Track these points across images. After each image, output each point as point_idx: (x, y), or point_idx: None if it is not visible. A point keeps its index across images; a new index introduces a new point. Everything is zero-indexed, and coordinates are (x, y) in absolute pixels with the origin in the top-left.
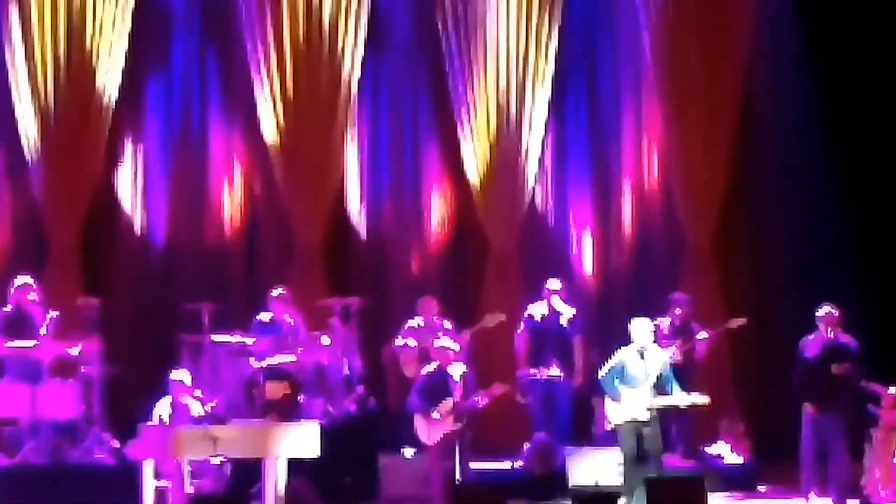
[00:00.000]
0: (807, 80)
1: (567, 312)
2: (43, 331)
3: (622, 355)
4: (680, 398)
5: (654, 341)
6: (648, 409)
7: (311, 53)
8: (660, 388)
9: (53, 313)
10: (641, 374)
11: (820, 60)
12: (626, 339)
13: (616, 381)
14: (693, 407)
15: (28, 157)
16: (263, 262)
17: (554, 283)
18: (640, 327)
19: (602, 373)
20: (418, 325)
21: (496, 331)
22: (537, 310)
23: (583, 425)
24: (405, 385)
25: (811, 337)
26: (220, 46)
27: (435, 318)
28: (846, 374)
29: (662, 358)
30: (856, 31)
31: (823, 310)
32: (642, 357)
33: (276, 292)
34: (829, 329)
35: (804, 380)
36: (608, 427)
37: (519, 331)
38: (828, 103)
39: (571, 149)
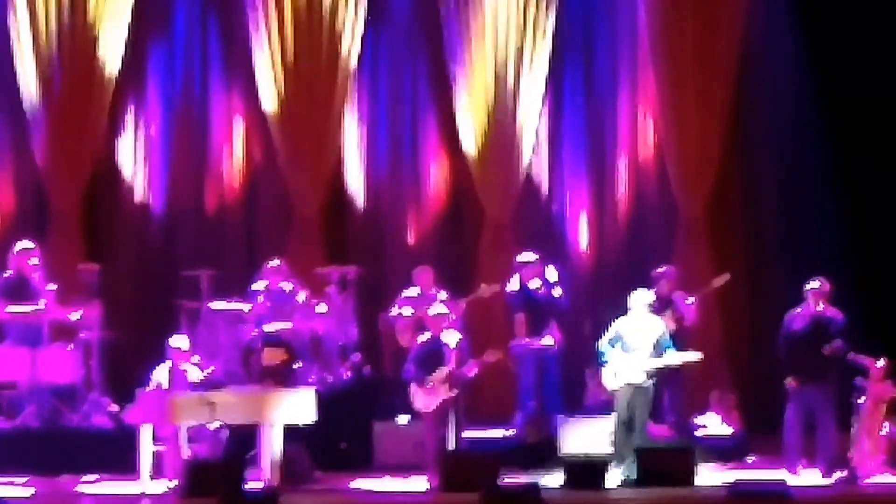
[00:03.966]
0: (801, 53)
1: (534, 284)
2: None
3: (619, 324)
4: (672, 357)
5: (651, 312)
6: (645, 372)
7: (311, 23)
8: (657, 354)
9: (52, 286)
10: (638, 341)
11: (814, 32)
12: (619, 310)
13: (615, 347)
14: (687, 364)
15: (31, 124)
16: (262, 231)
17: (523, 257)
18: (640, 298)
19: (601, 342)
20: (414, 294)
21: (491, 300)
22: (511, 284)
23: (574, 395)
24: (400, 353)
25: (798, 310)
26: (222, 15)
27: (431, 287)
28: (836, 354)
29: (659, 325)
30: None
31: (813, 283)
32: (637, 326)
33: (272, 264)
34: (817, 302)
35: (790, 352)
36: (601, 398)
37: (516, 311)
38: (822, 75)
39: (567, 121)
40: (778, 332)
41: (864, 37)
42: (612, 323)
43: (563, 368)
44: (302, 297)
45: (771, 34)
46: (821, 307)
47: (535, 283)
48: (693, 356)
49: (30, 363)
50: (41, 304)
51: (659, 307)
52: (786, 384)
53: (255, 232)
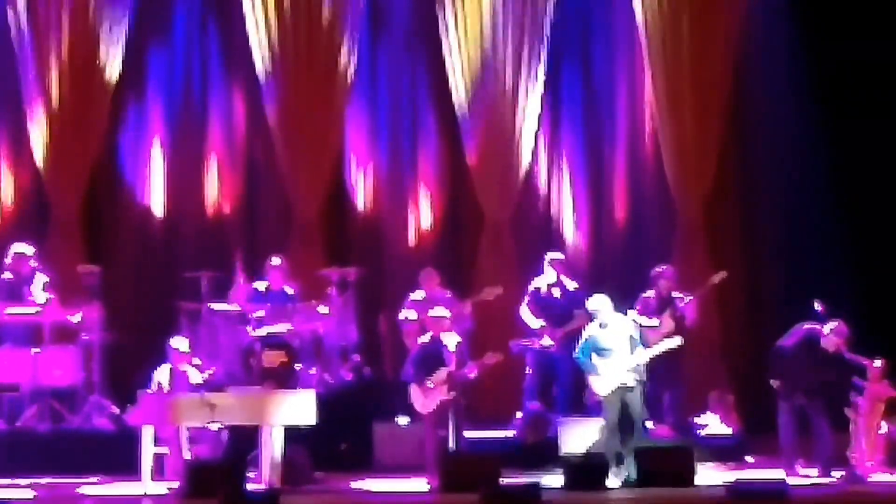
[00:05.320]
0: (798, 50)
1: (570, 285)
2: (40, 296)
3: (589, 332)
4: (654, 349)
5: (617, 312)
6: (630, 371)
7: (311, 26)
8: (632, 351)
9: (44, 277)
10: (612, 343)
11: (811, 29)
12: (618, 309)
13: (592, 357)
14: (671, 352)
15: (31, 127)
16: (262, 232)
17: (557, 255)
18: (598, 303)
19: (576, 353)
20: (420, 297)
21: (492, 302)
22: (542, 282)
23: (575, 395)
24: (401, 354)
25: (827, 338)
26: (221, 18)
27: (436, 290)
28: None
29: (626, 324)
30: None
31: (832, 324)
32: (607, 329)
33: (273, 262)
34: (837, 346)
35: (796, 371)
36: (597, 399)
37: (525, 303)
38: (819, 74)
39: (565, 122)
40: (777, 332)
41: (863, 36)
42: (583, 331)
43: (565, 368)
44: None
45: (768, 33)
46: (842, 349)
47: (569, 282)
48: (673, 342)
49: (30, 365)
50: (40, 307)
51: (658, 307)
52: (772, 385)
53: (256, 234)
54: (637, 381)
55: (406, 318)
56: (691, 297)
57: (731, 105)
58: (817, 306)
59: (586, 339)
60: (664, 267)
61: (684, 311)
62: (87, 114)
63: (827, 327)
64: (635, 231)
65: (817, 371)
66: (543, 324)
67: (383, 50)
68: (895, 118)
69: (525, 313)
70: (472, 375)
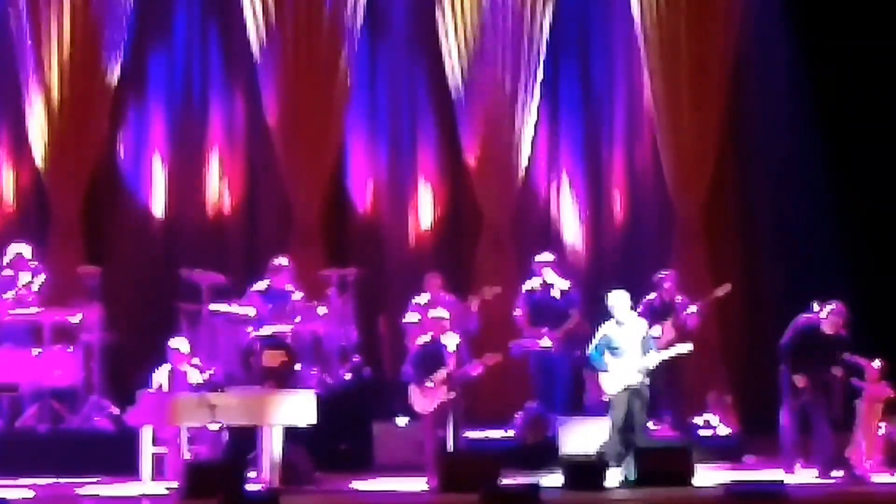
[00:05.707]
0: (795, 52)
1: (562, 285)
2: (23, 277)
3: (605, 329)
4: (664, 352)
5: (633, 311)
6: (640, 372)
7: (310, 26)
8: (644, 352)
9: (41, 277)
10: (625, 343)
11: (809, 28)
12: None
13: (606, 354)
14: (679, 357)
15: (31, 127)
16: (262, 233)
17: (545, 256)
18: (618, 300)
19: (590, 349)
20: (424, 301)
21: (492, 302)
22: (534, 284)
23: (575, 396)
24: (401, 355)
25: (822, 324)
26: (222, 21)
27: (440, 293)
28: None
29: (641, 325)
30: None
31: (831, 306)
32: (623, 328)
33: (277, 262)
34: (835, 327)
35: (797, 361)
36: (605, 398)
37: (517, 307)
38: (816, 75)
39: (564, 125)
40: (775, 333)
41: (863, 36)
42: (599, 328)
43: (565, 369)
44: (297, 295)
45: (765, 37)
46: (839, 331)
47: (562, 282)
48: (683, 348)
49: (30, 365)
50: (39, 307)
51: (660, 311)
52: (795, 382)
53: (256, 235)
54: (643, 384)
55: (409, 320)
56: (695, 309)
57: (729, 106)
58: (815, 308)
59: (601, 337)
60: (667, 272)
61: (686, 318)
62: (88, 114)
63: (824, 311)
64: (634, 233)
65: (819, 360)
66: (533, 327)
67: (383, 51)
68: (895, 118)
69: (518, 316)
70: (475, 373)
